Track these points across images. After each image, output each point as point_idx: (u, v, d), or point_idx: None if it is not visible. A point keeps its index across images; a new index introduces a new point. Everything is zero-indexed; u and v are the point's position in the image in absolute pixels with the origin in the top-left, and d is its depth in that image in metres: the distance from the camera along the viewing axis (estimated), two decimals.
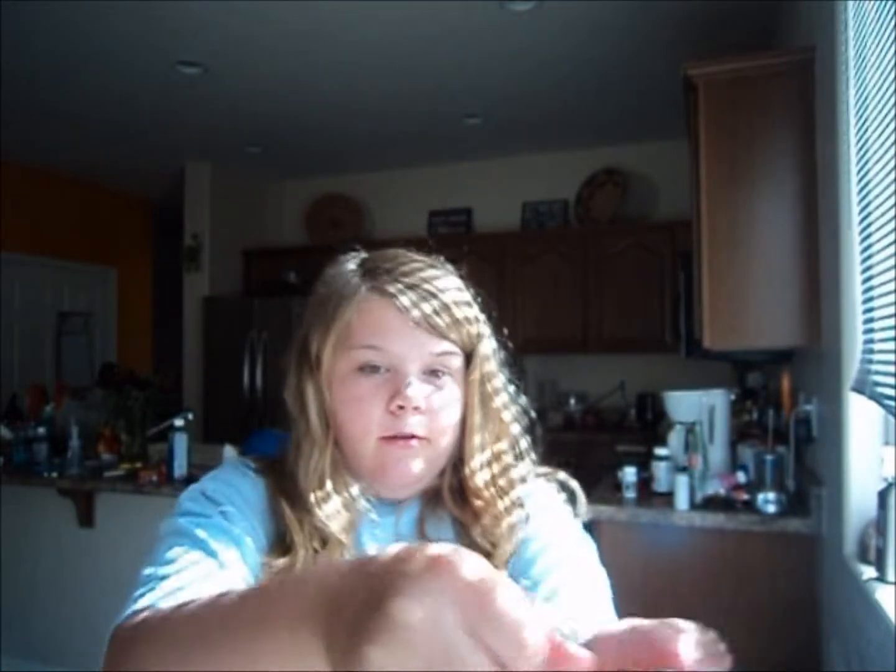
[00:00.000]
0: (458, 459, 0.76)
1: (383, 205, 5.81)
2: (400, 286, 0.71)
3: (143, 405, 3.49)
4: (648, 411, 4.65)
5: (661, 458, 2.53)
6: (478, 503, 0.75)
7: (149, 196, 6.41)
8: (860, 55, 1.68)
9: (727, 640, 0.35)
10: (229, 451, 2.82)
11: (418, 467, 0.72)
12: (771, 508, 2.25)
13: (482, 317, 0.76)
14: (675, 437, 2.63)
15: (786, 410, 2.70)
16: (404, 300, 0.70)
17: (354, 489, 0.73)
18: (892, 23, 1.46)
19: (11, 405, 4.16)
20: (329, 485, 0.71)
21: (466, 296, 0.75)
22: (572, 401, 4.98)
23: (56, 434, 3.46)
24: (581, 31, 3.34)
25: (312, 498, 0.70)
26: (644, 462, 2.64)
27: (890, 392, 1.46)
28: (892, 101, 1.43)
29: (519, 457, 0.79)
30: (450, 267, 0.77)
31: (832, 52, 1.87)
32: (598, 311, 4.84)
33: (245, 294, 5.71)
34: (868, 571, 1.58)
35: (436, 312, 0.70)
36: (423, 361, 0.71)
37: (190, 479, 2.83)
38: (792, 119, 2.26)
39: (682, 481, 2.35)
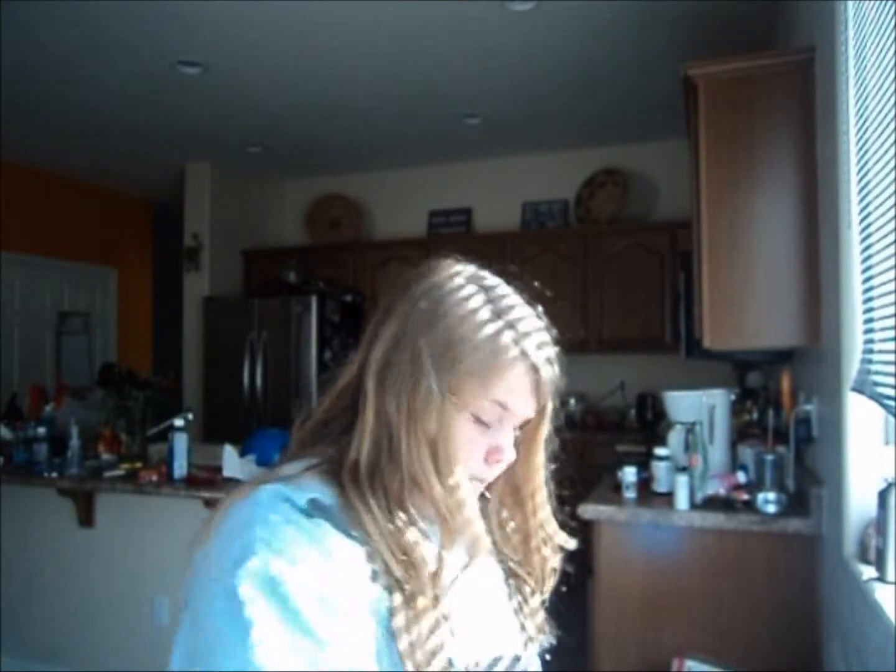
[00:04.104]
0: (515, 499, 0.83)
1: (383, 205, 5.81)
2: (543, 358, 0.74)
3: (142, 405, 3.50)
4: (648, 411, 4.64)
5: (661, 458, 2.53)
6: (533, 545, 0.83)
7: (149, 196, 6.41)
8: (860, 55, 1.67)
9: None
10: (229, 451, 2.82)
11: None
12: (771, 508, 2.25)
13: None
14: (675, 437, 2.63)
15: (786, 410, 2.70)
16: (545, 375, 0.74)
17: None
18: (892, 23, 1.46)
19: (11, 405, 4.16)
20: (458, 470, 0.71)
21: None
22: (572, 401, 4.97)
23: (56, 434, 3.46)
24: (581, 31, 3.34)
25: (446, 483, 0.69)
26: (644, 462, 2.64)
27: (890, 392, 1.46)
28: (892, 100, 1.43)
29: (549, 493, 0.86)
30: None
31: (832, 52, 1.87)
32: (598, 311, 4.84)
33: (245, 294, 5.71)
34: (868, 571, 1.58)
35: (553, 384, 0.76)
36: (525, 420, 0.76)
37: (190, 480, 2.84)
38: (792, 119, 2.26)
39: (681, 481, 2.35)
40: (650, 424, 4.51)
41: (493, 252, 5.09)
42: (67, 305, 5.86)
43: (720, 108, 2.33)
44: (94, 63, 3.65)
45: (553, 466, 0.85)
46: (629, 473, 2.49)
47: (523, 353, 0.73)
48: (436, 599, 0.67)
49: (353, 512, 0.67)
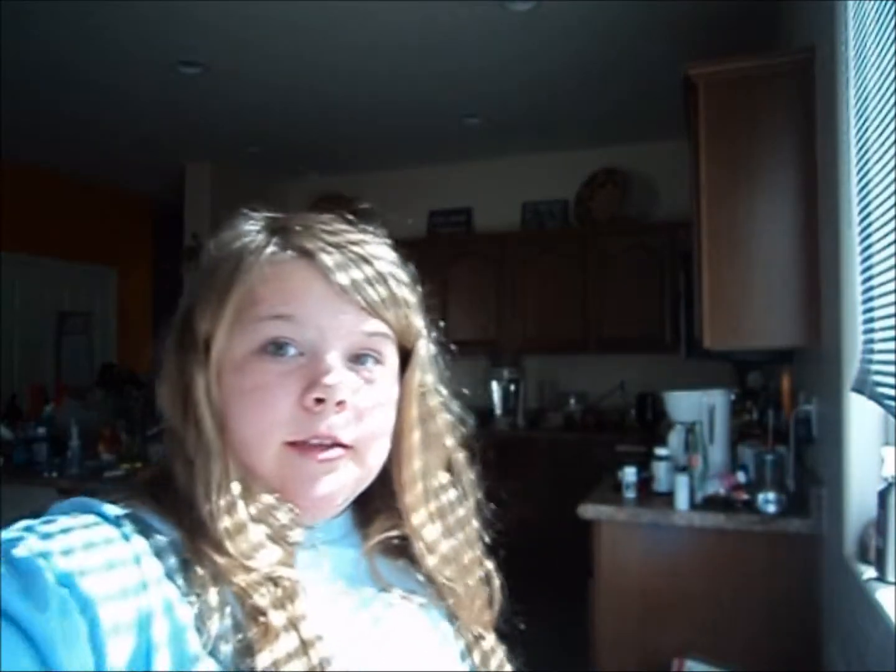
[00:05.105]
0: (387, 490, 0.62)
1: (383, 205, 5.70)
2: (323, 244, 0.56)
3: (143, 405, 3.50)
4: (648, 411, 4.64)
5: (661, 458, 2.53)
6: (420, 545, 0.62)
7: (149, 196, 6.41)
8: (860, 55, 1.68)
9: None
10: None
11: (339, 488, 0.55)
12: (771, 508, 2.24)
13: (419, 309, 0.62)
14: (676, 437, 2.63)
15: (786, 410, 2.70)
16: (328, 261, 0.55)
17: (281, 511, 0.54)
18: (892, 23, 1.46)
19: (11, 405, 4.16)
20: (243, 508, 0.52)
21: (406, 275, 0.61)
22: (572, 401, 4.98)
23: (56, 434, 3.46)
24: (580, 31, 3.34)
25: (224, 529, 0.50)
26: (644, 462, 2.64)
27: (890, 392, 1.46)
28: (892, 101, 1.43)
29: (463, 494, 0.65)
30: (388, 241, 0.63)
31: (832, 52, 1.87)
32: (599, 311, 4.84)
33: None
34: (868, 571, 1.58)
35: (369, 282, 0.56)
36: (350, 342, 0.55)
37: None
38: (792, 119, 2.26)
39: (682, 481, 2.35)
40: (650, 424, 4.51)
41: (493, 252, 5.10)
42: (67, 305, 5.86)
43: (720, 109, 2.33)
44: (94, 62, 3.65)
45: (453, 441, 0.64)
46: (629, 473, 2.49)
47: (287, 246, 0.56)
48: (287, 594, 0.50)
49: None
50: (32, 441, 3.41)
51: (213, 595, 0.47)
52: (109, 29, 3.27)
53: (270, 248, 0.56)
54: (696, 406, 2.61)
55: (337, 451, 0.54)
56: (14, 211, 5.13)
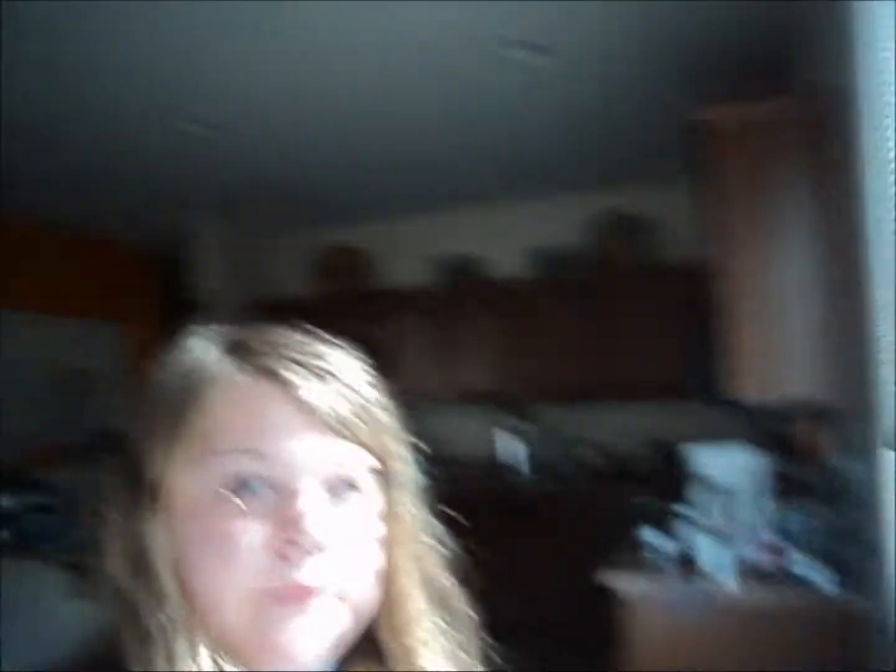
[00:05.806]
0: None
1: (390, 254, 5.72)
2: (286, 361, 0.50)
3: None
4: (673, 465, 4.47)
5: (696, 525, 2.36)
6: None
7: (156, 251, 6.34)
8: (881, 100, 1.60)
9: None
10: None
11: (322, 642, 0.49)
12: (819, 579, 2.08)
13: (395, 427, 0.55)
14: (710, 500, 2.47)
15: (823, 468, 2.56)
16: (294, 379, 0.48)
17: None
18: None
19: (13, 471, 4.04)
20: None
21: (379, 391, 0.54)
22: (590, 452, 4.83)
23: (62, 502, 3.35)
24: (596, 75, 3.34)
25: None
26: (670, 521, 2.47)
27: None
28: None
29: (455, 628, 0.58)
30: (358, 355, 0.56)
31: (855, 97, 1.79)
32: (615, 359, 4.72)
33: None
34: None
35: (339, 400, 0.50)
36: (326, 474, 0.49)
37: None
38: (812, 165, 2.21)
39: (722, 552, 2.18)
40: (676, 479, 4.34)
41: (503, 301, 5.01)
42: (71, 364, 5.67)
43: (742, 155, 2.32)
44: (96, 117, 3.62)
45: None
46: (660, 540, 2.34)
47: (249, 367, 0.49)
48: None
49: None
50: (37, 510, 3.29)
51: None
52: (112, 87, 3.25)
53: (228, 370, 0.50)
54: (730, 464, 2.47)
55: (320, 601, 0.48)
56: (16, 268, 4.99)
